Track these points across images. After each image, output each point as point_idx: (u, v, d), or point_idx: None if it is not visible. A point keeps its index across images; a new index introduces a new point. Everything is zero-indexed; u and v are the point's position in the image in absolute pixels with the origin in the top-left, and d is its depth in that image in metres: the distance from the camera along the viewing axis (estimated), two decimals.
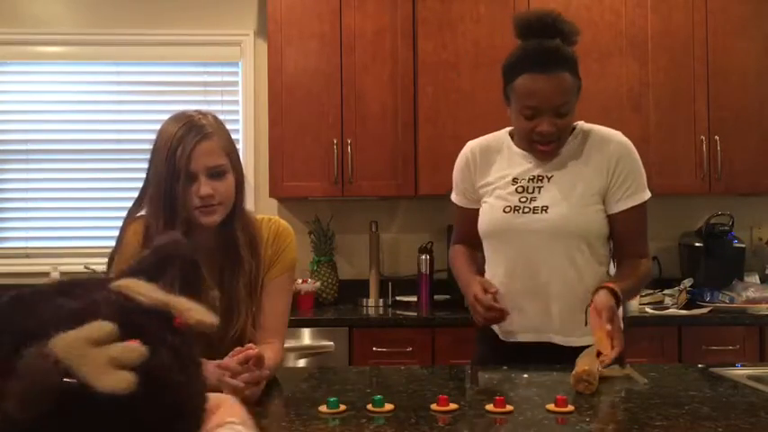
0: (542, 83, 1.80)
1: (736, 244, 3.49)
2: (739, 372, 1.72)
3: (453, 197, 2.09)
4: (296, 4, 3.43)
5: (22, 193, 3.82)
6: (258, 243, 1.70)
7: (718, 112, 3.43)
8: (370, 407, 1.39)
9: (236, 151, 1.67)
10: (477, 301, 1.80)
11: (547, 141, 1.86)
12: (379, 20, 3.42)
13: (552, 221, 1.86)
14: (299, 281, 3.35)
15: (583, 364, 1.56)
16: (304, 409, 1.40)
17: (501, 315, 1.79)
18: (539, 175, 1.91)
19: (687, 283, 3.39)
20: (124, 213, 1.73)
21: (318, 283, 3.50)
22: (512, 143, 1.98)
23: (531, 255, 1.88)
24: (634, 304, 3.26)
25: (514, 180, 1.92)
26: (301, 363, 3.04)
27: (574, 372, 1.53)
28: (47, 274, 3.63)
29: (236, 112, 3.80)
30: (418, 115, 3.40)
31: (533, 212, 1.88)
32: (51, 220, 3.83)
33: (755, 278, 3.53)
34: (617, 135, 1.95)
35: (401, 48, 3.44)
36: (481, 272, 2.01)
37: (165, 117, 1.64)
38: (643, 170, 1.93)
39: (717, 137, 3.41)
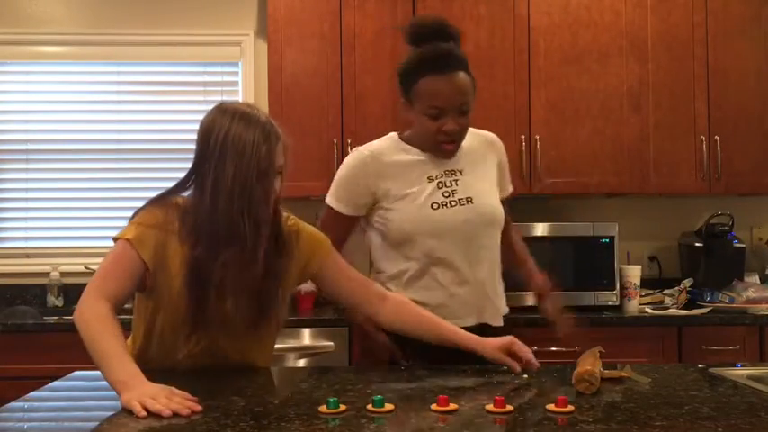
0: (444, 83, 1.93)
1: (736, 244, 3.49)
2: (739, 372, 1.72)
3: (335, 204, 2.09)
4: (296, 4, 3.43)
5: (22, 193, 3.83)
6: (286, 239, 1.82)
7: (718, 112, 3.43)
8: (370, 407, 1.38)
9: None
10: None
11: (451, 140, 1.98)
12: (379, 20, 3.42)
13: (480, 210, 2.01)
14: None
15: (585, 364, 1.56)
16: (304, 409, 1.40)
17: None
18: (451, 170, 2.03)
19: (687, 283, 3.39)
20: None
21: None
22: (407, 146, 2.05)
23: (467, 244, 1.98)
24: (634, 304, 3.26)
25: (430, 178, 2.00)
26: (301, 363, 3.04)
27: (576, 371, 1.53)
28: (47, 274, 3.63)
29: None
30: None
31: (460, 204, 2.00)
32: (51, 220, 3.83)
33: (755, 278, 3.53)
34: (492, 134, 2.17)
35: (401, 48, 3.42)
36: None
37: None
38: None
39: (717, 137, 3.41)
